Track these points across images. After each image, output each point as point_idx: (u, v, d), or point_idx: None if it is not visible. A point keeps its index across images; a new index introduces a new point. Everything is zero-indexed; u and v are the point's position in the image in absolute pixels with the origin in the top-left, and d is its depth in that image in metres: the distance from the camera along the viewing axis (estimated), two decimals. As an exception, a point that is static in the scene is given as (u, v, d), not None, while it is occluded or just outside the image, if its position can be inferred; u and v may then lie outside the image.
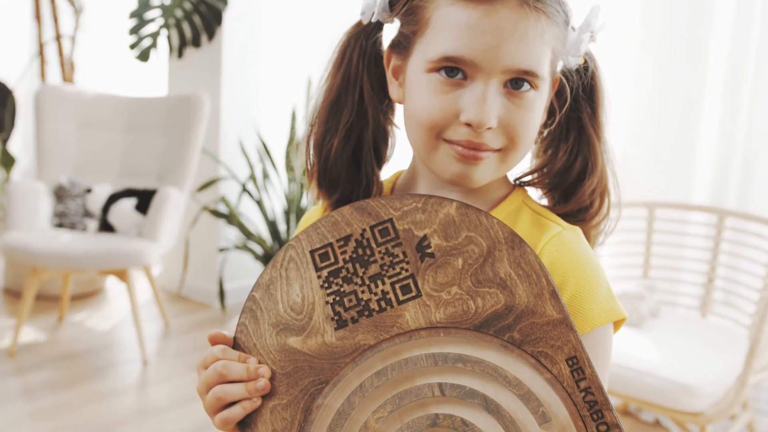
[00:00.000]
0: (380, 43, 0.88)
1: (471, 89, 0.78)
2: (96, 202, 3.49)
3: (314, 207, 0.98)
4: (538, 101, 0.81)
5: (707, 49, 2.72)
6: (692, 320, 2.62)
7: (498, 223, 0.76)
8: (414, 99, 0.81)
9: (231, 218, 3.67)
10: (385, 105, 0.90)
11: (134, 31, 3.87)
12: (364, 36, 0.87)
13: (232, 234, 4.00)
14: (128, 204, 3.43)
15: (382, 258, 0.76)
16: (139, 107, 3.71)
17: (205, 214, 3.94)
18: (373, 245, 0.76)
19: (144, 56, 3.90)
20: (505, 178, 0.90)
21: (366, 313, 0.75)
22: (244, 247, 3.66)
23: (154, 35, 3.88)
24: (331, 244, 0.76)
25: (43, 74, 4.28)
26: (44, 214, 3.41)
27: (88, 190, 3.52)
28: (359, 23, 0.88)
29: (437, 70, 0.79)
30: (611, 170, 0.90)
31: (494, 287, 0.75)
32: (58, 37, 4.18)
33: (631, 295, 2.52)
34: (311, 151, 0.89)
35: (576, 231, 0.85)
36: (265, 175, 3.72)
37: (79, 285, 3.98)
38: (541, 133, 0.90)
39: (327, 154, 0.87)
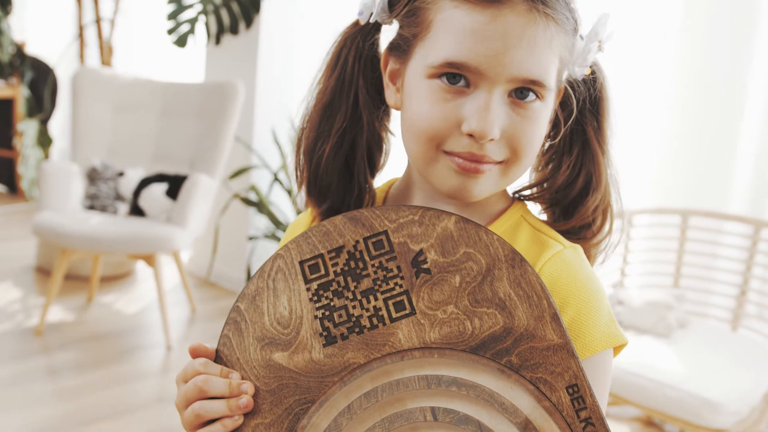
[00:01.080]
0: (378, 45, 0.84)
1: (474, 98, 0.74)
2: (128, 185, 3.51)
3: (301, 215, 0.94)
4: (543, 112, 0.77)
5: (749, 56, 2.64)
6: (722, 333, 2.56)
7: (498, 240, 0.73)
8: (413, 106, 0.77)
9: (261, 207, 3.66)
10: (381, 111, 0.86)
11: (172, 16, 3.87)
12: (360, 37, 0.83)
13: (262, 223, 4.00)
14: (159, 189, 3.44)
15: (375, 272, 0.72)
16: (174, 92, 3.72)
17: (235, 202, 3.95)
18: (366, 258, 0.73)
19: (181, 42, 3.90)
20: (504, 191, 0.86)
21: (357, 329, 0.72)
22: (273, 237, 3.66)
23: (192, 21, 3.88)
24: (321, 255, 0.73)
25: (82, 56, 4.31)
26: (76, 196, 3.43)
27: (121, 174, 3.54)
28: (356, 23, 0.84)
29: (438, 76, 0.74)
30: (615, 187, 0.86)
31: (492, 307, 0.71)
32: (98, 20, 4.20)
33: (659, 304, 2.46)
34: (301, 157, 0.85)
35: (577, 250, 0.82)
36: (297, 165, 3.70)
37: (110, 267, 4.01)
38: (542, 145, 0.86)
39: (318, 161, 0.84)
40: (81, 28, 4.30)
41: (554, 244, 0.80)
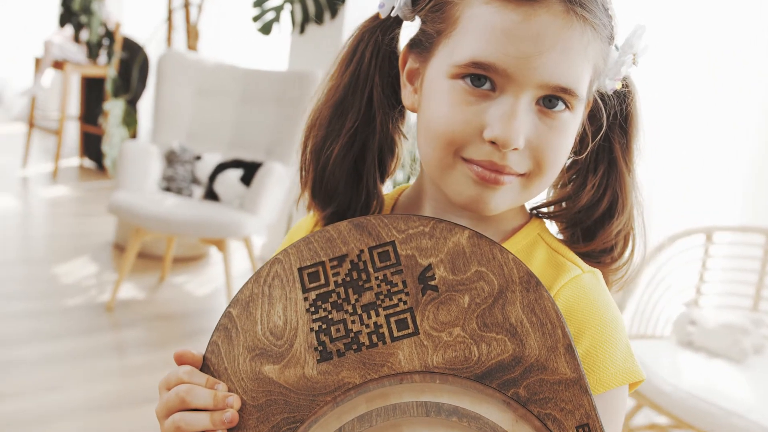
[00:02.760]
0: (397, 42, 0.78)
1: (499, 102, 0.68)
2: (204, 169, 3.54)
3: (303, 218, 0.89)
4: (571, 124, 0.71)
5: None
6: (803, 362, 2.40)
7: (513, 260, 0.67)
8: (432, 108, 0.71)
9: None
10: (396, 112, 0.80)
11: (258, 3, 3.89)
12: (380, 32, 0.77)
13: (335, 214, 3.98)
14: (234, 175, 3.46)
15: (378, 285, 0.67)
16: (255, 79, 3.73)
17: (310, 192, 3.94)
18: (370, 269, 0.68)
19: (266, 29, 3.92)
20: (522, 206, 0.80)
21: (354, 346, 0.66)
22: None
23: (278, 9, 3.88)
24: (323, 263, 0.68)
25: (169, 40, 4.38)
26: (153, 177, 3.49)
27: (198, 157, 3.58)
28: (376, 17, 0.78)
29: (462, 76, 0.69)
30: (639, 211, 0.79)
31: (502, 333, 0.66)
32: (186, 5, 4.26)
33: (735, 327, 2.33)
34: (308, 157, 0.80)
35: (596, 275, 0.75)
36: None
37: (184, 248, 4.07)
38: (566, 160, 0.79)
39: (325, 162, 0.78)
40: (170, 12, 4.37)
41: (572, 268, 0.74)
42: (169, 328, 3.25)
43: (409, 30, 0.76)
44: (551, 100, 0.69)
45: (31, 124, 5.50)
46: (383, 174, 0.82)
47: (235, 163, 3.51)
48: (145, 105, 5.71)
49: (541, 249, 0.77)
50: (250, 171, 3.46)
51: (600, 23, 0.68)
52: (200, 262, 4.15)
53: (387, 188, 0.84)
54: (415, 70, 0.76)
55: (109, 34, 4.94)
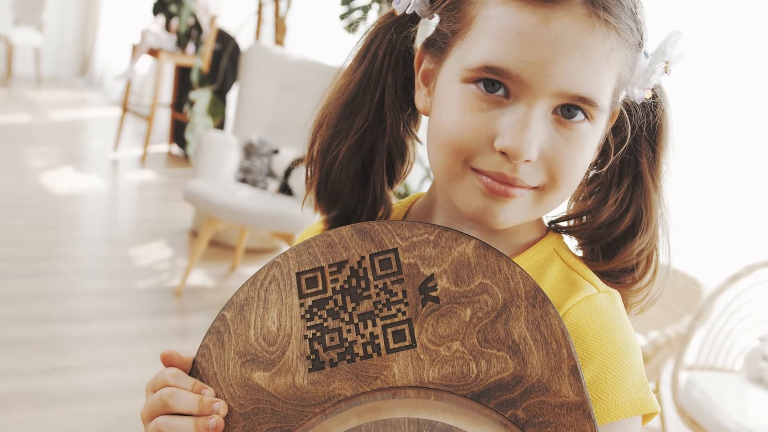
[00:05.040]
0: (412, 40, 0.74)
1: (512, 110, 0.63)
2: (280, 163, 3.57)
3: (316, 221, 0.85)
4: (591, 136, 0.66)
5: None
6: None
7: (520, 273, 0.63)
8: (442, 112, 0.67)
9: (405, 196, 3.62)
10: (408, 114, 0.75)
11: (346, 2, 3.89)
12: (395, 28, 0.73)
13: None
14: (310, 170, 3.47)
15: (377, 294, 0.64)
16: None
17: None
18: (370, 277, 0.64)
19: (352, 28, 3.92)
20: (539, 220, 0.75)
21: (348, 357, 0.63)
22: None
23: (365, 8, 3.87)
24: (322, 269, 0.65)
25: (257, 33, 4.44)
26: (230, 168, 3.53)
27: (276, 151, 3.61)
28: (392, 13, 0.74)
29: (474, 81, 0.64)
30: (664, 229, 0.73)
31: (504, 350, 0.61)
32: (277, -1, 4.30)
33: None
34: (314, 156, 0.76)
35: (613, 296, 0.70)
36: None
37: (257, 240, 4.11)
38: (587, 173, 0.74)
39: (332, 162, 0.74)
40: (260, 5, 4.42)
41: (587, 286, 0.69)
42: (234, 318, 3.28)
43: (426, 28, 0.72)
44: (569, 109, 0.64)
45: (125, 109, 5.66)
46: (392, 179, 0.78)
47: (311, 159, 3.52)
48: (233, 96, 5.80)
49: (555, 265, 0.72)
50: (325, 168, 3.47)
51: (626, 28, 0.63)
52: (271, 254, 4.18)
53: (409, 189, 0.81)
54: (430, 71, 0.71)
55: (198, 25, 5.03)
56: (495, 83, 0.64)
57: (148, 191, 5.12)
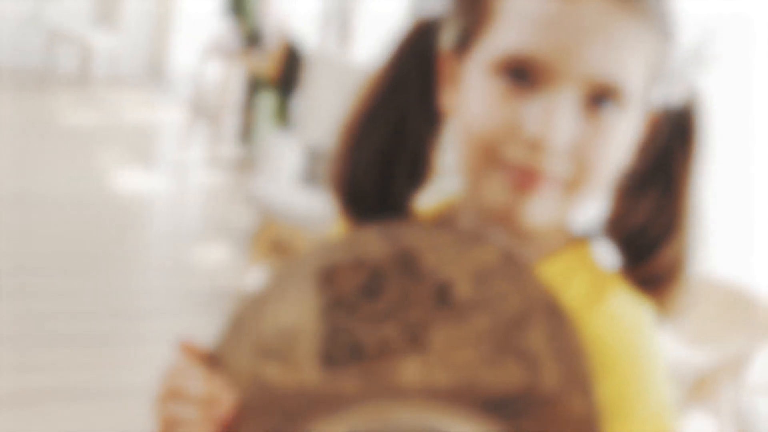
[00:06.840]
0: (436, 45, 0.73)
1: (538, 99, 0.62)
2: (342, 167, 3.59)
3: (340, 224, 0.86)
4: (622, 128, 0.64)
5: None
6: None
7: (541, 282, 0.61)
8: (466, 107, 0.66)
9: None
10: (432, 120, 0.74)
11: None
12: (426, 34, 0.72)
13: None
14: (370, 176, 3.49)
15: (394, 295, 0.63)
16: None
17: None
18: (389, 278, 0.63)
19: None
20: (565, 226, 0.72)
21: (359, 357, 0.62)
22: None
23: (431, 14, 3.89)
24: (341, 267, 0.65)
25: (324, 38, 4.48)
26: (291, 171, 3.57)
27: (337, 155, 3.64)
28: (416, 21, 0.73)
29: (499, 72, 0.63)
30: (695, 236, 0.70)
31: (517, 360, 0.60)
32: (343, 6, 4.34)
33: None
34: (337, 160, 0.75)
35: (641, 307, 0.67)
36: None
37: (317, 243, 4.13)
38: (619, 176, 0.71)
39: (356, 164, 0.74)
40: (327, 11, 4.47)
41: (613, 297, 0.66)
42: (291, 320, 3.30)
43: (449, 29, 0.72)
44: (599, 99, 0.62)
45: (194, 110, 5.77)
46: (416, 185, 0.76)
47: (372, 165, 3.54)
48: (298, 100, 5.87)
49: (581, 273, 0.69)
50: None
51: (652, 15, 0.62)
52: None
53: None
54: (454, 70, 0.70)
55: (266, 29, 5.11)
56: (520, 72, 0.63)
57: (214, 191, 5.20)
